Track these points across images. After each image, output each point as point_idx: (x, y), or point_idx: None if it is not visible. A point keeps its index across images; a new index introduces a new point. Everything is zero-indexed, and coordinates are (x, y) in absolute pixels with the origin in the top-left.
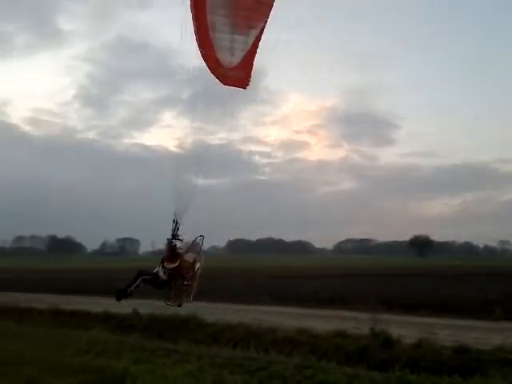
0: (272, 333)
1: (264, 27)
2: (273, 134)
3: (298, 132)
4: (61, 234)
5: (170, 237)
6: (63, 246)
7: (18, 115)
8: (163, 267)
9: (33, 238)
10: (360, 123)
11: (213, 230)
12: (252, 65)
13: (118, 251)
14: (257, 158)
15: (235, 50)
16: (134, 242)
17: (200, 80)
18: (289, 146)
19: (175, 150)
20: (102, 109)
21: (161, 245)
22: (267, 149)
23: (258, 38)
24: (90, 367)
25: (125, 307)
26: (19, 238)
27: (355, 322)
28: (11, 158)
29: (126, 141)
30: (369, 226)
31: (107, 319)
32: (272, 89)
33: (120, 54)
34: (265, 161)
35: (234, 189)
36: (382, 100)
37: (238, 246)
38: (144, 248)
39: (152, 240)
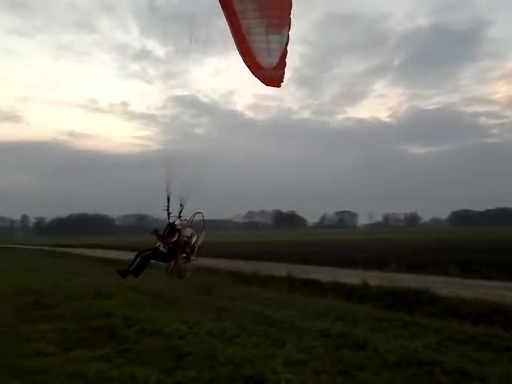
0: None
1: (290, 23)
2: (502, 91)
3: None
4: (285, 209)
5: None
6: (287, 220)
7: (242, 103)
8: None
9: (261, 213)
10: None
11: (432, 201)
12: (285, 62)
13: (337, 224)
14: (483, 119)
15: (272, 51)
16: (352, 215)
17: (413, 42)
18: None
19: (388, 120)
20: (315, 88)
21: (378, 217)
22: (495, 108)
23: (288, 35)
24: (332, 332)
25: (352, 278)
26: (250, 213)
27: None
28: (240, 142)
29: (339, 116)
30: None
31: (337, 288)
32: (499, 40)
33: (328, 31)
34: (493, 121)
35: (457, 155)
36: None
37: (462, 218)
38: (362, 221)
39: (369, 212)
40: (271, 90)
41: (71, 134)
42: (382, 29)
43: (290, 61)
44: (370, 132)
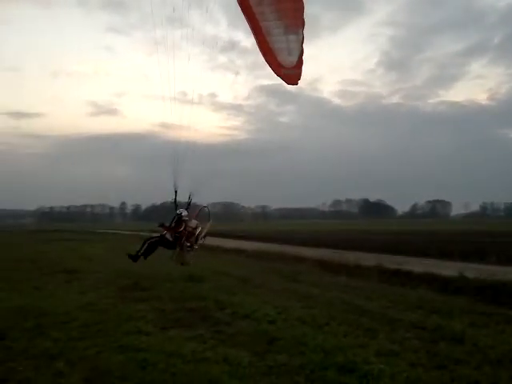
0: None
1: (304, 23)
2: None
3: None
4: (373, 198)
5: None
6: (375, 209)
7: (328, 90)
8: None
9: (348, 201)
10: None
11: None
12: (303, 60)
13: (429, 213)
14: None
15: (292, 50)
16: (446, 204)
17: None
18: None
19: (486, 102)
20: (405, 71)
21: (475, 206)
22: None
23: (303, 34)
24: (427, 324)
25: (446, 269)
26: (336, 202)
27: None
28: (326, 129)
29: (432, 100)
30: None
31: (430, 279)
32: None
33: (420, 10)
34: None
35: None
36: None
37: None
38: (456, 210)
39: (464, 201)
40: (358, 74)
41: (163, 125)
42: (481, 5)
43: (377, 44)
44: (467, 116)
